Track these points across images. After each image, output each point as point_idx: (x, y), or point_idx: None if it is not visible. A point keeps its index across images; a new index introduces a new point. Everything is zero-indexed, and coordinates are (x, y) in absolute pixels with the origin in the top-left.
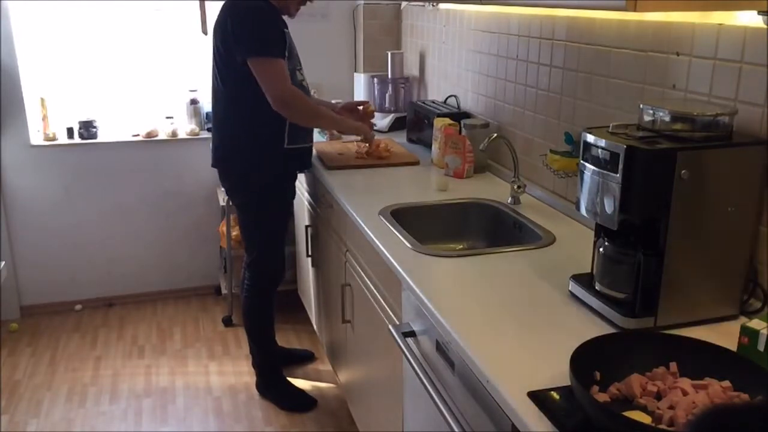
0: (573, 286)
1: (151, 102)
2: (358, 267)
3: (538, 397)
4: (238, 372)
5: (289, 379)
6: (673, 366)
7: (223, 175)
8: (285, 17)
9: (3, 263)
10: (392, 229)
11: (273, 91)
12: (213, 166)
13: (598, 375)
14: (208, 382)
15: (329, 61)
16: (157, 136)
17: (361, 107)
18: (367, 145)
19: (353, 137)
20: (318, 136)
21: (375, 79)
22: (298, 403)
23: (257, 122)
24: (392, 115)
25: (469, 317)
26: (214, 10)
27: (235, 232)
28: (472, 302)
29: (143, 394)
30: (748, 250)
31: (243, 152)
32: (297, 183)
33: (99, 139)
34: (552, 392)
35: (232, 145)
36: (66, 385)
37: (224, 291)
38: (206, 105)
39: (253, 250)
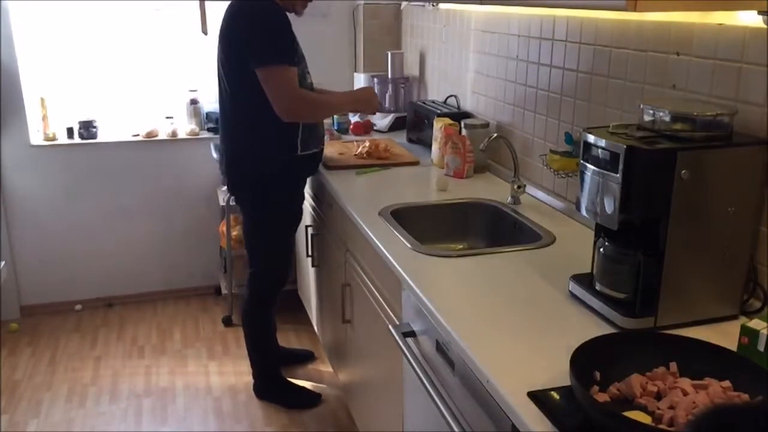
0: (573, 286)
1: (151, 102)
2: (358, 267)
3: (538, 397)
4: (238, 372)
5: (289, 379)
6: (673, 366)
7: (233, 183)
8: (291, 16)
9: (3, 263)
10: (392, 229)
11: (280, 103)
12: (222, 173)
13: (598, 375)
14: (208, 382)
15: (329, 61)
16: (157, 136)
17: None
18: (367, 145)
19: (354, 137)
20: None
21: (375, 79)
22: (303, 400)
23: (270, 130)
24: (392, 115)
25: (469, 317)
26: (214, 9)
27: (235, 232)
28: (472, 302)
29: (143, 394)
30: (748, 250)
31: (255, 161)
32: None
33: (99, 139)
34: (552, 392)
35: (244, 154)
36: (66, 385)
37: (224, 291)
38: (206, 105)
39: (256, 261)
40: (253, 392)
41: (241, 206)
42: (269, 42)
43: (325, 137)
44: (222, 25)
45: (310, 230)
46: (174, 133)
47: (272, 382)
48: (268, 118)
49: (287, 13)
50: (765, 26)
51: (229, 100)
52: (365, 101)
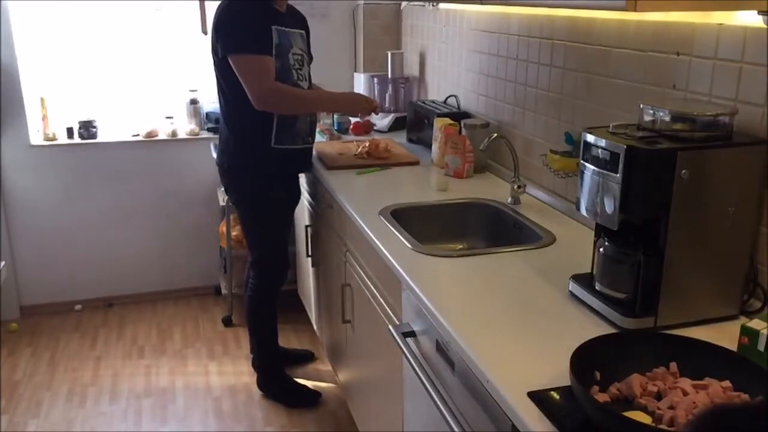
0: (573, 286)
1: (151, 102)
2: (358, 267)
3: (538, 398)
4: (238, 372)
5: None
6: (673, 366)
7: (220, 173)
8: (283, 12)
9: (3, 263)
10: (392, 229)
11: (252, 90)
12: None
13: (598, 375)
14: (208, 382)
15: (329, 61)
16: (156, 136)
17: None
18: (367, 145)
19: (353, 137)
20: (318, 136)
21: (375, 79)
22: (303, 398)
23: (244, 121)
24: (392, 115)
25: (469, 317)
26: (213, 9)
27: (235, 231)
28: (472, 302)
29: (143, 395)
30: (748, 250)
31: (234, 152)
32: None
33: (99, 139)
34: (552, 392)
35: (226, 145)
36: (66, 385)
37: (224, 291)
38: (206, 105)
39: (254, 249)
40: (257, 388)
41: (229, 195)
42: (240, 31)
43: (323, 137)
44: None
45: (309, 230)
46: (174, 133)
47: (275, 378)
48: (244, 109)
49: (271, 8)
50: (765, 26)
51: (220, 94)
52: (353, 104)
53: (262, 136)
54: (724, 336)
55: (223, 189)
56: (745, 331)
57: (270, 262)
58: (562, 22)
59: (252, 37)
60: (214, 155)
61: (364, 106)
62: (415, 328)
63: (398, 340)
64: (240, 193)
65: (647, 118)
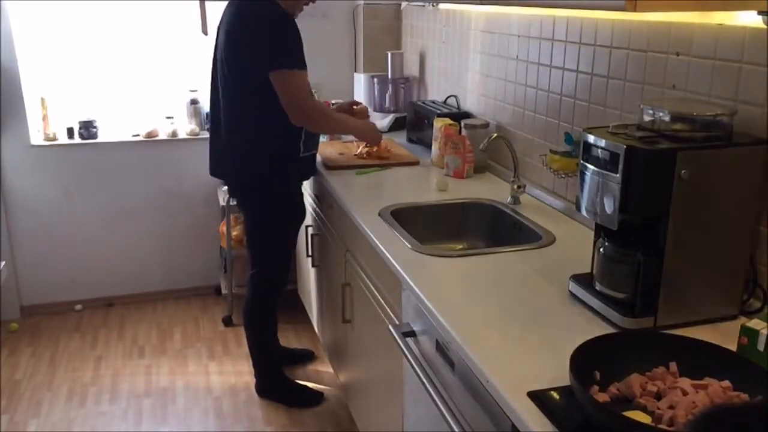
0: (573, 286)
1: (151, 102)
2: (358, 267)
3: (538, 397)
4: (238, 372)
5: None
6: (673, 366)
7: (236, 184)
8: None
9: (3, 263)
10: (392, 229)
11: (294, 107)
12: (220, 176)
13: (597, 375)
14: (209, 382)
15: (329, 61)
16: (157, 136)
17: (355, 107)
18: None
19: (353, 138)
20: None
21: (375, 79)
22: (306, 398)
23: (277, 132)
24: (392, 115)
25: (469, 317)
26: (214, 10)
27: (235, 231)
28: (472, 302)
29: (143, 394)
30: (747, 250)
31: (259, 162)
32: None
33: (99, 139)
34: (552, 392)
35: (251, 155)
36: (66, 385)
37: (224, 291)
38: (206, 105)
39: (258, 262)
40: (255, 392)
41: (242, 208)
42: (288, 46)
43: (324, 137)
44: (222, 26)
45: (310, 230)
46: (174, 133)
47: (275, 380)
48: (275, 120)
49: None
50: (765, 26)
51: (229, 100)
52: (363, 133)
53: (293, 145)
54: (724, 336)
55: (225, 189)
56: (744, 331)
57: (274, 276)
58: (562, 22)
59: (295, 52)
60: None
61: (373, 137)
62: (415, 328)
63: (398, 340)
64: (264, 203)
65: (647, 118)
